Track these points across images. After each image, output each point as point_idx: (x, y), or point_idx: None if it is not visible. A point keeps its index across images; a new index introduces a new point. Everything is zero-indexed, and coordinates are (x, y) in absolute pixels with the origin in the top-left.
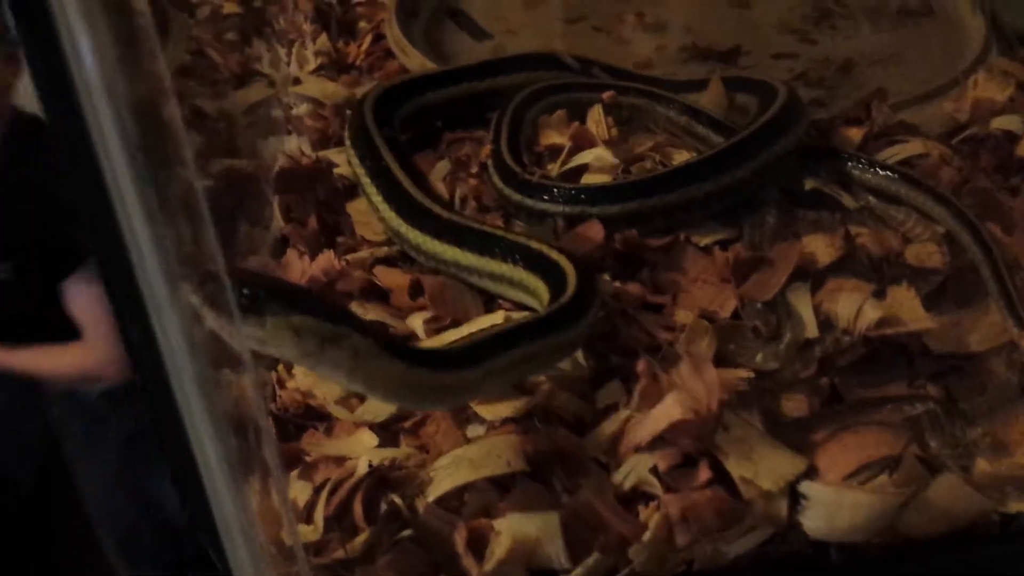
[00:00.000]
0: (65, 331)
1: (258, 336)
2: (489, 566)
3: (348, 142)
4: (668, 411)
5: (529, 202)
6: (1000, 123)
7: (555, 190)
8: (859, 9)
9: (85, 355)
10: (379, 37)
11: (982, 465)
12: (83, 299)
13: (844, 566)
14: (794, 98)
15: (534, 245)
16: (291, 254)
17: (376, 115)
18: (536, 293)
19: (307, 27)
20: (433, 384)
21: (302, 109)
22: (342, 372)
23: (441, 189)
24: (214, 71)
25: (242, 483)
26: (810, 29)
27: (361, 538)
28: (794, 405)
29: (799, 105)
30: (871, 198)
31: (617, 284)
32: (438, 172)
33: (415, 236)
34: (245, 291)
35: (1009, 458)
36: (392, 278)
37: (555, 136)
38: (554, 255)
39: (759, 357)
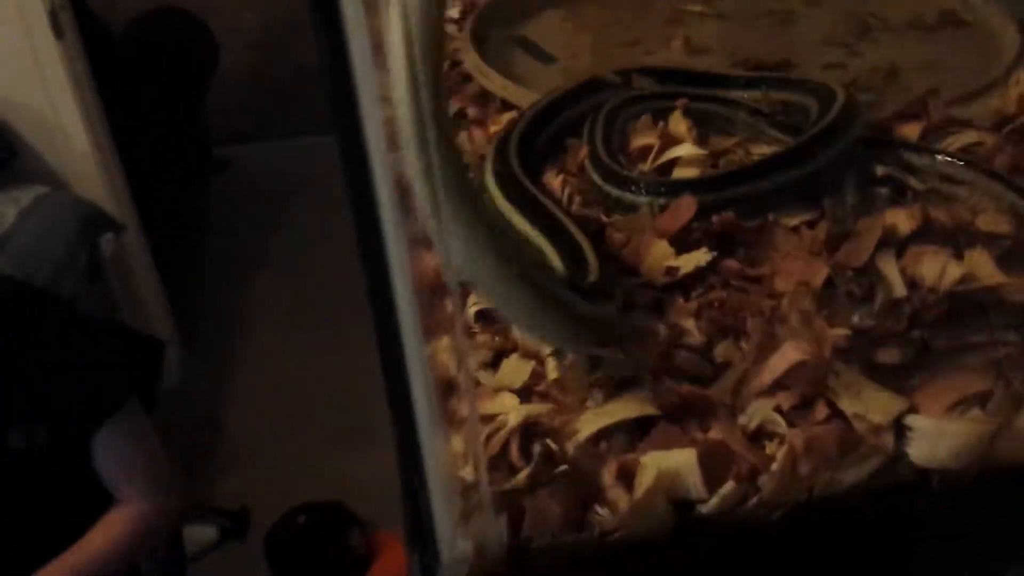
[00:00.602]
0: (103, 494)
1: None
2: (638, 495)
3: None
4: (786, 356)
5: (629, 196)
6: None
7: (651, 183)
8: (898, 22)
9: (131, 513)
10: (455, 64)
11: None
12: (115, 450)
13: (944, 492)
14: (852, 97)
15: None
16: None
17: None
18: None
19: None
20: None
21: None
22: None
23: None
24: None
25: (439, 424)
26: (853, 43)
27: (523, 473)
28: (890, 356)
29: (857, 103)
30: (936, 182)
31: (717, 258)
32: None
33: None
34: None
35: None
36: None
37: (644, 139)
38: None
39: (855, 317)
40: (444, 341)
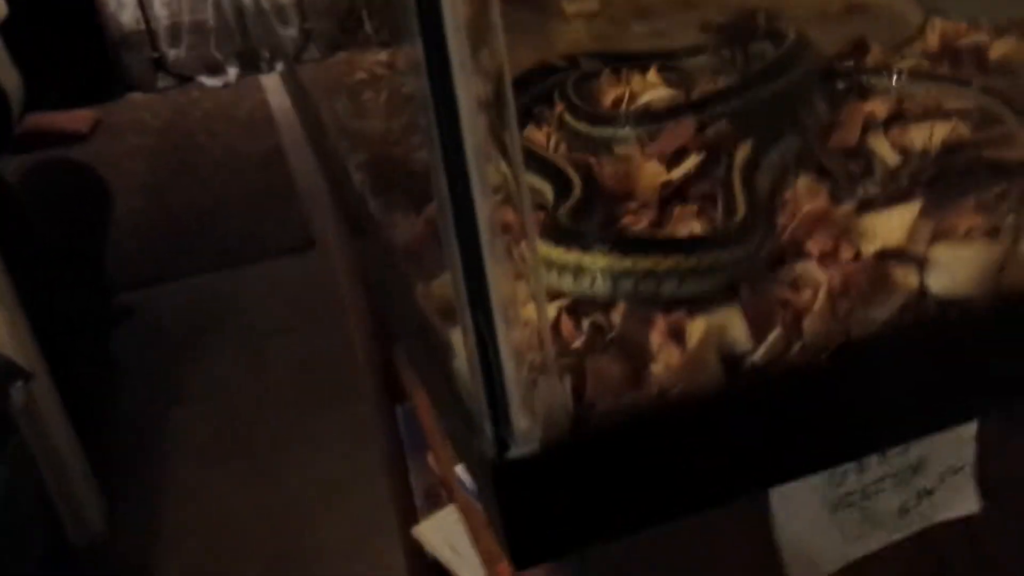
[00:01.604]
0: None
1: None
2: (691, 346)
3: None
4: (807, 209)
5: (618, 132)
6: (967, 40)
7: (637, 114)
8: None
9: None
10: None
11: None
12: None
13: (961, 323)
14: (802, 33)
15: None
16: None
17: None
18: None
19: None
20: None
21: None
22: None
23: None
24: None
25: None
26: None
27: (579, 339)
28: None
29: (807, 36)
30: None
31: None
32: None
33: None
34: None
35: None
36: None
37: (615, 92)
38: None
39: (860, 191)
40: None
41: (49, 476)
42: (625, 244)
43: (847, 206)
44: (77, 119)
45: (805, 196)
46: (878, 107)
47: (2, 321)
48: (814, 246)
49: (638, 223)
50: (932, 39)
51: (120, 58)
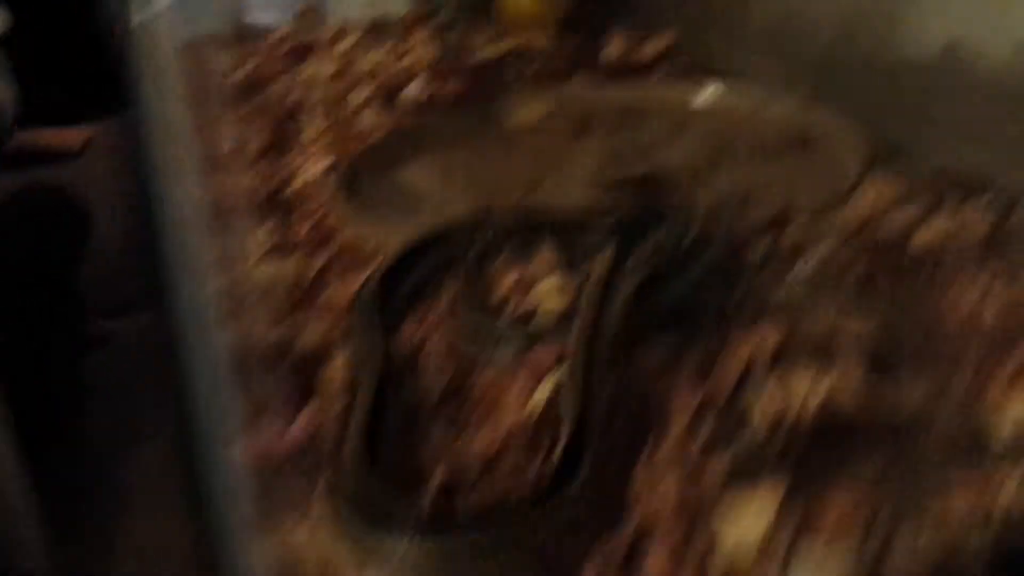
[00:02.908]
0: None
1: None
2: None
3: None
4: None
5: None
6: (895, 219)
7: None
8: (748, 148)
9: None
10: (323, 217)
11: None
12: None
13: None
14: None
15: None
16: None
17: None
18: None
19: (250, 217)
20: None
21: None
22: None
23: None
24: None
25: None
26: (706, 170)
27: None
28: (771, 485)
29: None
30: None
31: None
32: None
33: None
34: None
35: None
36: None
37: (511, 276)
38: None
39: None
40: None
41: None
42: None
43: (713, 470)
44: (68, 137)
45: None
46: (764, 339)
47: None
48: (664, 540)
49: None
50: (863, 205)
51: (120, 74)
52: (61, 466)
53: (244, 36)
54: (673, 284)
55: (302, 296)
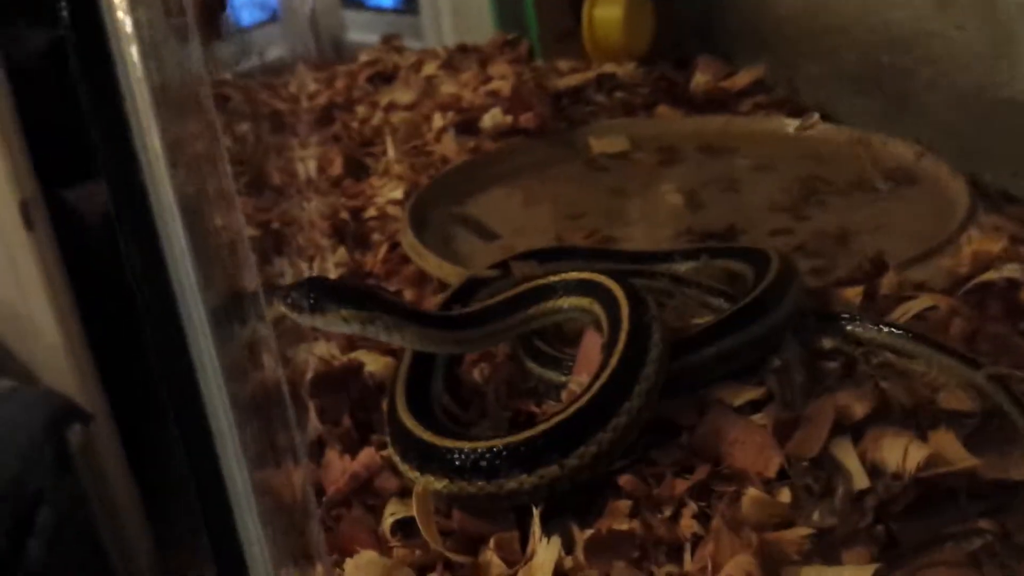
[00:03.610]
0: None
1: (320, 324)
2: None
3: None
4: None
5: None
6: (1001, 272)
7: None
8: (843, 184)
9: None
10: (394, 246)
11: None
12: None
13: None
14: (787, 261)
15: None
16: (330, 454)
17: None
18: None
19: (325, 242)
20: (443, 338)
21: None
22: (383, 336)
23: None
24: None
25: None
26: (800, 206)
27: None
28: (857, 557)
29: (792, 267)
30: (888, 354)
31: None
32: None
33: None
34: (311, 295)
35: None
36: None
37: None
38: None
39: (815, 515)
40: None
41: (102, 517)
42: None
43: (799, 532)
44: None
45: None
46: (854, 402)
47: (66, 364)
48: None
49: None
50: (964, 256)
51: None
52: (162, 479)
53: (339, 53)
54: (753, 330)
55: None
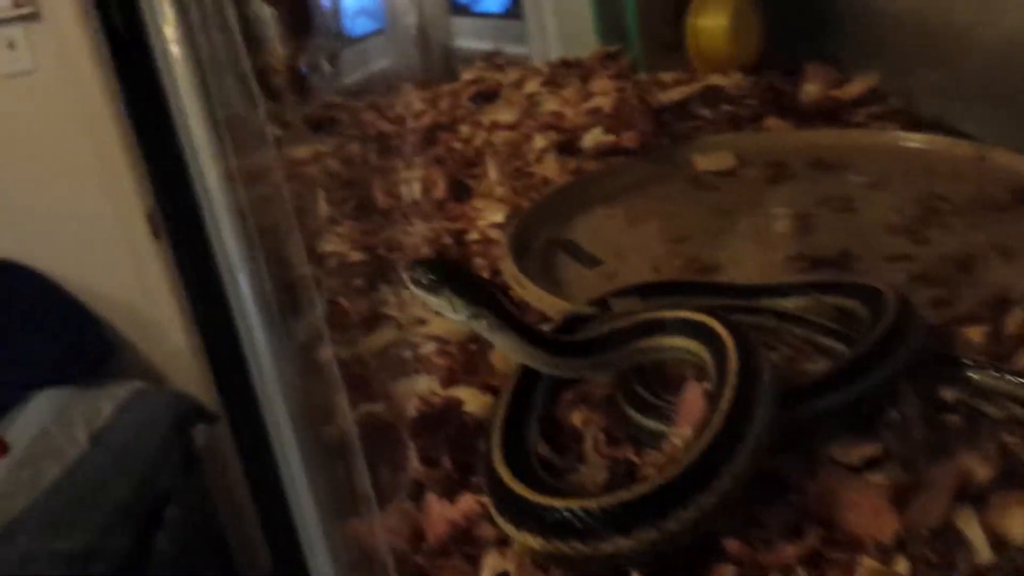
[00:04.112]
0: None
1: (432, 304)
2: None
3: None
4: None
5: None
6: None
7: None
8: (966, 202)
9: None
10: (496, 272)
11: None
12: None
13: None
14: (905, 302)
15: None
16: (431, 498)
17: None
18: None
19: None
20: (543, 360)
21: (429, 348)
22: (486, 334)
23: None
24: (345, 317)
25: None
26: (919, 228)
27: None
28: None
29: (912, 309)
30: (1015, 406)
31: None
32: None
33: None
34: (432, 273)
35: None
36: None
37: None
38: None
39: None
40: None
41: (225, 515)
42: None
43: None
44: None
45: None
46: (977, 465)
47: (191, 365)
48: None
49: None
50: None
51: None
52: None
53: (448, 61)
54: (871, 381)
55: (467, 359)
